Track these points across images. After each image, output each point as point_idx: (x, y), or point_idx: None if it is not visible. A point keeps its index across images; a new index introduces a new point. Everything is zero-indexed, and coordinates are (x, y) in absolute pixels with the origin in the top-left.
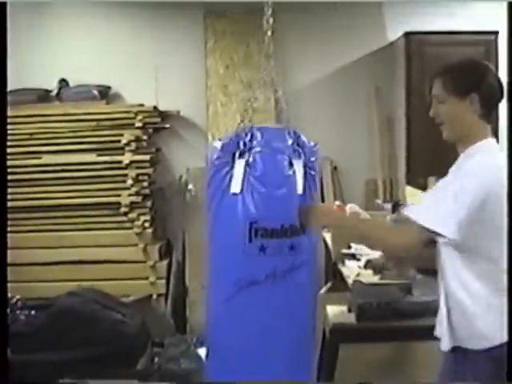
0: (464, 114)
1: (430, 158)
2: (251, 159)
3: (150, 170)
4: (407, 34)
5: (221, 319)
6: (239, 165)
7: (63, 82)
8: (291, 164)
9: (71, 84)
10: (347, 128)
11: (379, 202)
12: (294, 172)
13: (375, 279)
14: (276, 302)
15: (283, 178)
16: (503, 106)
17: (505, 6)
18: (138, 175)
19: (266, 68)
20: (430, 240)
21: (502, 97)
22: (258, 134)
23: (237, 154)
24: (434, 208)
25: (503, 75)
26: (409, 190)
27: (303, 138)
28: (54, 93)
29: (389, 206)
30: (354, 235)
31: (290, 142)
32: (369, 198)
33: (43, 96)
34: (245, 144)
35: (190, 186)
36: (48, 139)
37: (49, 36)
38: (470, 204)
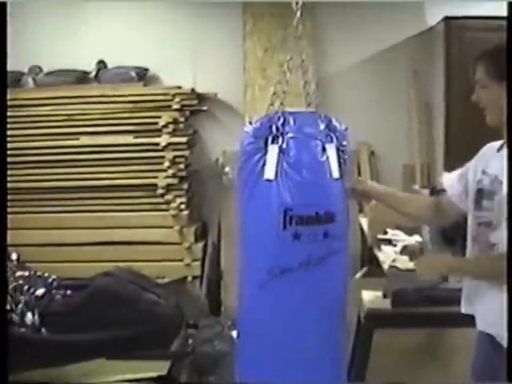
0: (506, 98)
1: (469, 144)
2: (284, 145)
3: (186, 153)
4: (447, 19)
5: (253, 306)
6: (272, 150)
7: (101, 64)
8: (324, 149)
9: (109, 66)
10: (385, 112)
11: (416, 187)
12: (328, 157)
13: (411, 265)
14: (309, 290)
15: (317, 164)
16: None
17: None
18: (174, 157)
19: (297, 50)
20: None
21: None
22: (291, 119)
23: (269, 140)
24: None
25: None
26: (447, 175)
27: (334, 121)
28: (93, 74)
29: (426, 191)
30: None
31: (322, 126)
32: (406, 184)
33: (81, 77)
34: (277, 129)
35: (227, 169)
36: (86, 120)
37: (86, 18)
38: None
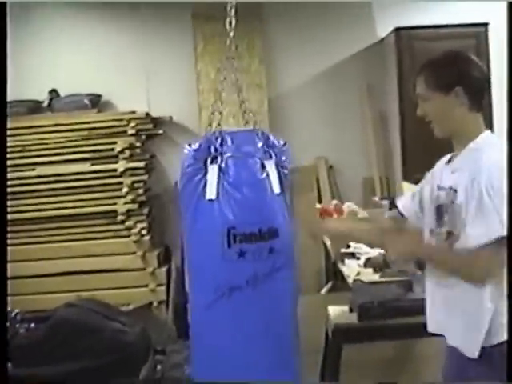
0: (452, 108)
1: (426, 153)
2: (223, 164)
3: (145, 177)
4: (397, 30)
5: (203, 326)
6: (212, 171)
7: (53, 93)
8: (263, 166)
9: (62, 94)
10: (341, 127)
11: (376, 199)
12: (268, 174)
13: (375, 277)
14: (259, 306)
15: (257, 182)
16: (496, 96)
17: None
18: (133, 183)
19: (228, 69)
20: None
21: (488, 86)
22: (228, 139)
23: (209, 160)
24: (485, 219)
25: (495, 66)
26: (405, 185)
27: (272, 138)
28: (45, 104)
29: (386, 202)
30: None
31: (259, 144)
32: (366, 196)
33: (34, 107)
34: (216, 149)
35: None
36: (41, 150)
37: (37, 46)
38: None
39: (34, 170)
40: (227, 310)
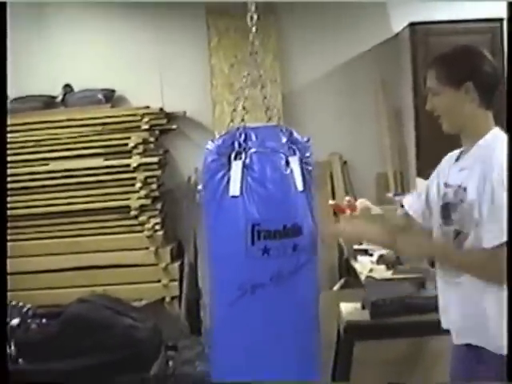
0: (461, 104)
1: (440, 149)
2: (248, 160)
3: (158, 172)
4: (412, 25)
5: (226, 323)
6: (236, 166)
7: (68, 88)
8: (288, 162)
9: (76, 89)
10: (355, 122)
11: (390, 195)
12: (292, 170)
13: (388, 274)
14: (282, 304)
15: (282, 178)
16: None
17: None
18: (146, 178)
19: (252, 65)
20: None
21: (499, 82)
22: (253, 134)
23: (232, 156)
24: (499, 220)
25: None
26: (420, 181)
27: (296, 134)
28: (59, 99)
29: (400, 198)
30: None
31: (284, 139)
32: (380, 192)
33: (48, 102)
34: (239, 145)
35: (200, 187)
36: (54, 145)
37: (51, 41)
38: None
39: (47, 164)
40: (250, 308)
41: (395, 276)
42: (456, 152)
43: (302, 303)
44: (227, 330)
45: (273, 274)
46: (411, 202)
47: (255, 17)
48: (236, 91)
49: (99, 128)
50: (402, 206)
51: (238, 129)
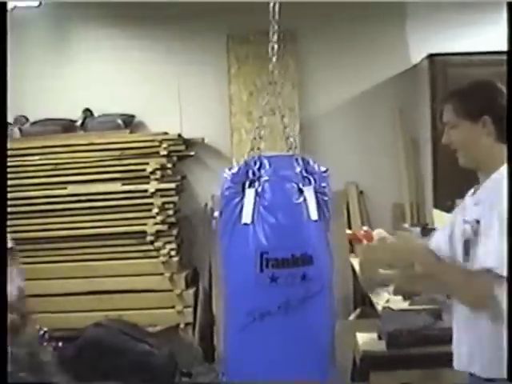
0: (478, 137)
1: (457, 181)
2: (260, 188)
3: (175, 198)
4: (431, 56)
5: (237, 348)
6: (249, 194)
7: (87, 112)
8: (301, 191)
9: (95, 114)
10: (372, 152)
11: (407, 226)
12: (305, 199)
13: (405, 305)
14: (290, 333)
15: (292, 207)
16: None
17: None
18: (163, 203)
19: (272, 94)
20: None
21: None
22: (266, 163)
23: (247, 184)
24: (494, 244)
25: None
26: (436, 213)
27: (312, 163)
28: (79, 123)
29: (417, 229)
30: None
31: (298, 169)
32: (396, 222)
33: (68, 126)
34: (254, 173)
35: (216, 214)
36: (73, 169)
37: (71, 66)
38: None
39: (65, 188)
40: (258, 335)
41: (412, 307)
42: (475, 186)
43: (312, 332)
44: (237, 356)
45: (281, 303)
46: (435, 242)
47: (276, 46)
48: (256, 119)
49: (118, 153)
50: (423, 236)
51: (253, 157)
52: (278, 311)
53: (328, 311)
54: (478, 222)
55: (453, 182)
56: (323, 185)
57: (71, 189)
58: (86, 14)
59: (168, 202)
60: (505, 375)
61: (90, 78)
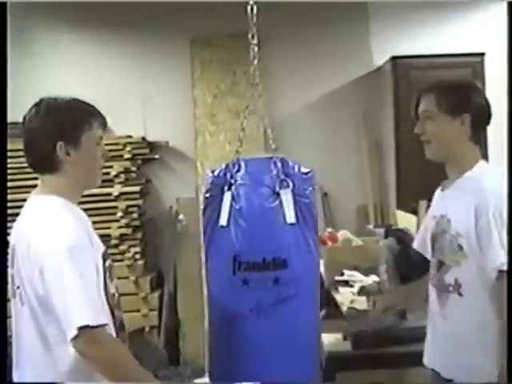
0: (454, 133)
1: (421, 182)
2: (235, 192)
3: (139, 202)
4: (393, 58)
5: (215, 350)
6: (226, 198)
7: None
8: (277, 194)
9: None
10: (336, 154)
11: (371, 227)
12: (281, 202)
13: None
14: (262, 337)
15: (265, 211)
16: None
17: (493, 24)
18: (127, 207)
19: (252, 97)
20: None
21: (490, 120)
22: (243, 166)
23: (225, 187)
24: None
25: (490, 97)
26: (400, 214)
27: (292, 166)
28: None
29: (381, 231)
30: None
31: (274, 171)
32: (360, 224)
33: None
34: (231, 176)
35: (181, 217)
36: (33, 173)
37: (35, 71)
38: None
39: (28, 192)
40: (232, 338)
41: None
42: (444, 182)
43: (288, 336)
44: (216, 357)
45: (252, 306)
46: (418, 241)
47: (256, 49)
48: (220, 122)
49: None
50: (386, 237)
51: (233, 160)
52: (249, 314)
53: (307, 315)
54: (448, 219)
55: (416, 183)
56: (304, 187)
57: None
58: (46, 18)
59: (132, 206)
60: (464, 379)
61: (55, 83)
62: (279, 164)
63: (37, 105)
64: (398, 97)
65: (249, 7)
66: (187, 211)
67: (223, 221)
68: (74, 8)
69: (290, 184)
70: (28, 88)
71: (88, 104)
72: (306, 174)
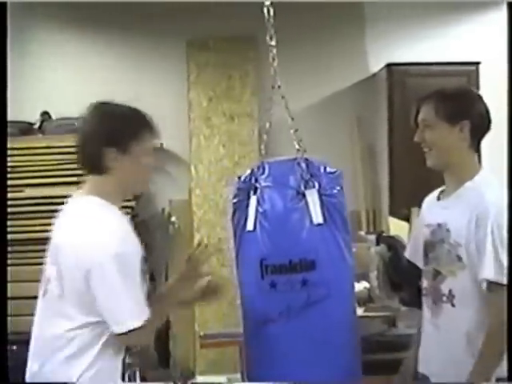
0: (453, 140)
1: (413, 189)
2: (260, 195)
3: (132, 203)
4: (389, 65)
5: (249, 354)
6: (252, 202)
7: (45, 115)
8: (303, 195)
9: (53, 117)
10: (329, 159)
11: (362, 233)
12: (307, 203)
13: (359, 312)
14: (292, 341)
15: (289, 212)
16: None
17: (490, 33)
18: (120, 208)
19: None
20: None
21: (489, 128)
22: (267, 169)
23: (251, 191)
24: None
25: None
26: (392, 220)
27: (317, 165)
28: (37, 126)
29: (372, 237)
30: None
31: (299, 172)
32: (352, 230)
33: (25, 129)
34: (256, 180)
35: (173, 219)
36: (31, 172)
37: (30, 69)
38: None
39: (22, 191)
40: (264, 342)
41: (366, 314)
42: (438, 191)
43: (316, 340)
44: (250, 360)
45: (282, 309)
46: (409, 251)
47: (275, 50)
48: (215, 125)
49: (75, 156)
50: (377, 244)
51: (258, 164)
52: (279, 318)
53: (340, 316)
54: (446, 229)
55: (409, 190)
56: (330, 186)
57: (29, 192)
58: (45, 17)
59: (125, 207)
60: None
61: (49, 82)
62: (303, 165)
63: (94, 107)
64: (393, 103)
65: (265, 9)
66: (180, 213)
67: (250, 225)
68: (68, 8)
69: (316, 184)
70: (27, 88)
71: (143, 114)
72: (332, 173)
